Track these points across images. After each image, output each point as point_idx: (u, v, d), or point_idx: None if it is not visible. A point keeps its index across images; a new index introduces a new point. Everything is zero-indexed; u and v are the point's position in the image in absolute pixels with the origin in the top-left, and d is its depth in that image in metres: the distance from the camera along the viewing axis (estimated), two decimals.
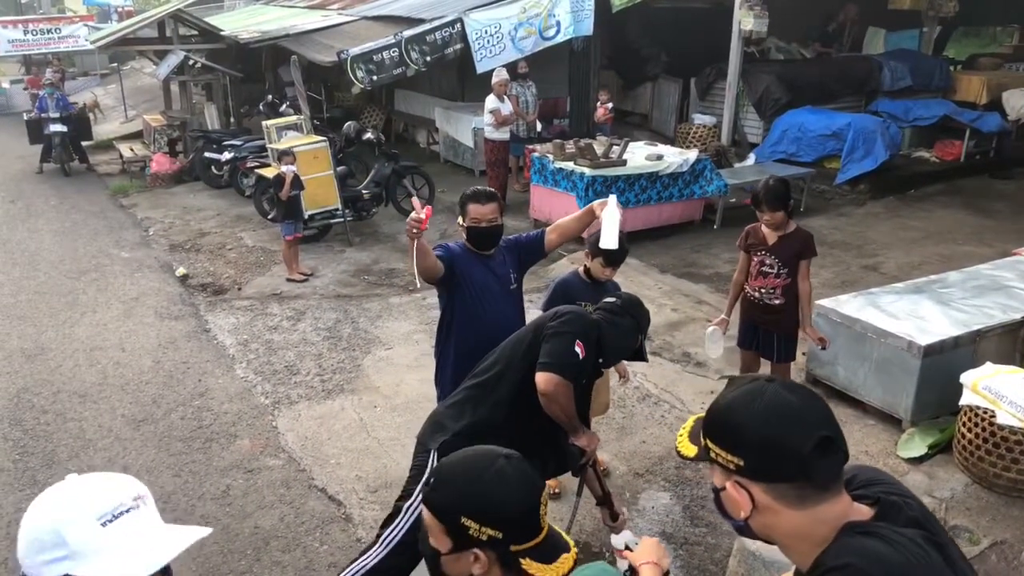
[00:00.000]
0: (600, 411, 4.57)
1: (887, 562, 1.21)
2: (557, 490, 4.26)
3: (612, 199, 3.62)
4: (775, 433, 1.29)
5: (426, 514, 1.59)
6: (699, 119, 12.23)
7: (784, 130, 10.89)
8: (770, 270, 4.47)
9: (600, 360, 3.06)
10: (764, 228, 4.49)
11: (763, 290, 4.52)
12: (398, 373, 5.81)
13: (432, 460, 2.92)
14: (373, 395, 5.55)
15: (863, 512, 1.32)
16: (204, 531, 1.40)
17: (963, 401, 4.35)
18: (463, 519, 1.50)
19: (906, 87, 12.50)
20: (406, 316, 6.97)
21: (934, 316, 5.05)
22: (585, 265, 4.16)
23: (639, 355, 3.27)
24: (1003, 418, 4.11)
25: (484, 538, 1.49)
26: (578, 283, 4.15)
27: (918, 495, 4.13)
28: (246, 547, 4.00)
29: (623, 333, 3.05)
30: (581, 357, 2.84)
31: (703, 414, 1.50)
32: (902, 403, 4.83)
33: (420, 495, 1.53)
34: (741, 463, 1.33)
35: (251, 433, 5.10)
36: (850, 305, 5.22)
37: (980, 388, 4.27)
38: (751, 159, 11.19)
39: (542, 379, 2.81)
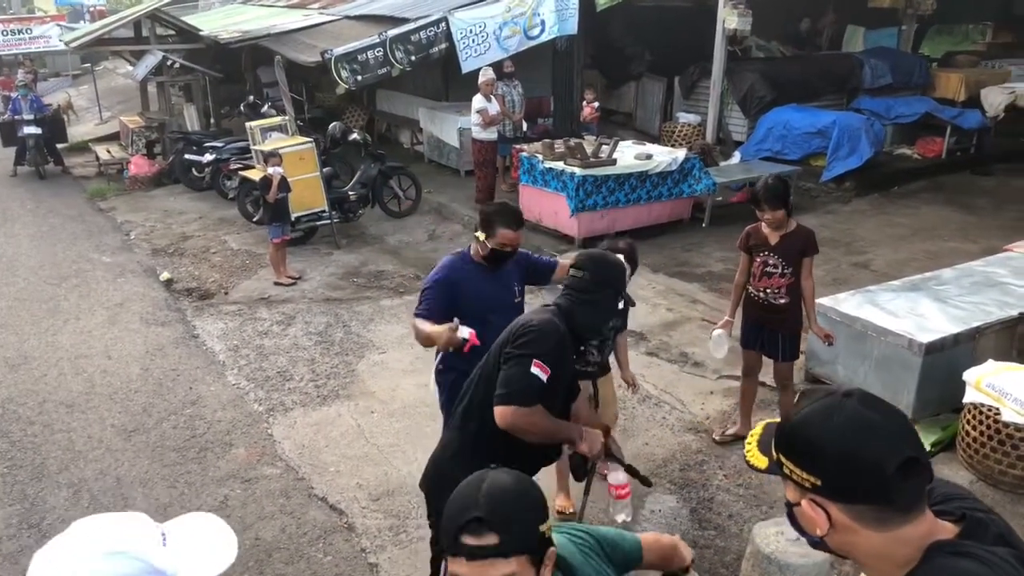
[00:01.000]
0: (611, 421, 4.49)
1: None
2: (572, 509, 4.13)
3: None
4: (855, 453, 1.23)
5: None
6: (684, 118, 12.24)
7: (769, 128, 10.93)
8: (774, 270, 4.43)
9: (583, 348, 2.91)
10: (765, 228, 4.45)
11: (768, 290, 4.48)
12: (394, 378, 5.72)
13: None
14: (370, 400, 5.46)
15: (948, 530, 1.27)
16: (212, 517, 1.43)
17: (967, 399, 4.36)
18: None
19: (886, 85, 12.62)
20: (398, 319, 6.88)
21: (933, 314, 5.06)
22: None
23: (626, 306, 3.10)
24: (1008, 415, 4.11)
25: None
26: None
27: None
28: (247, 559, 3.89)
29: (601, 307, 2.83)
30: (544, 378, 2.60)
31: (771, 420, 1.45)
32: (903, 401, 4.82)
33: None
34: (818, 482, 1.27)
35: (246, 441, 4.99)
36: (849, 303, 5.22)
37: (984, 386, 4.28)
38: (736, 157, 11.21)
39: (497, 414, 2.61)
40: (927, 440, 4.63)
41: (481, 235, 3.49)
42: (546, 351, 2.63)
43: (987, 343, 4.96)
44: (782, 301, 4.46)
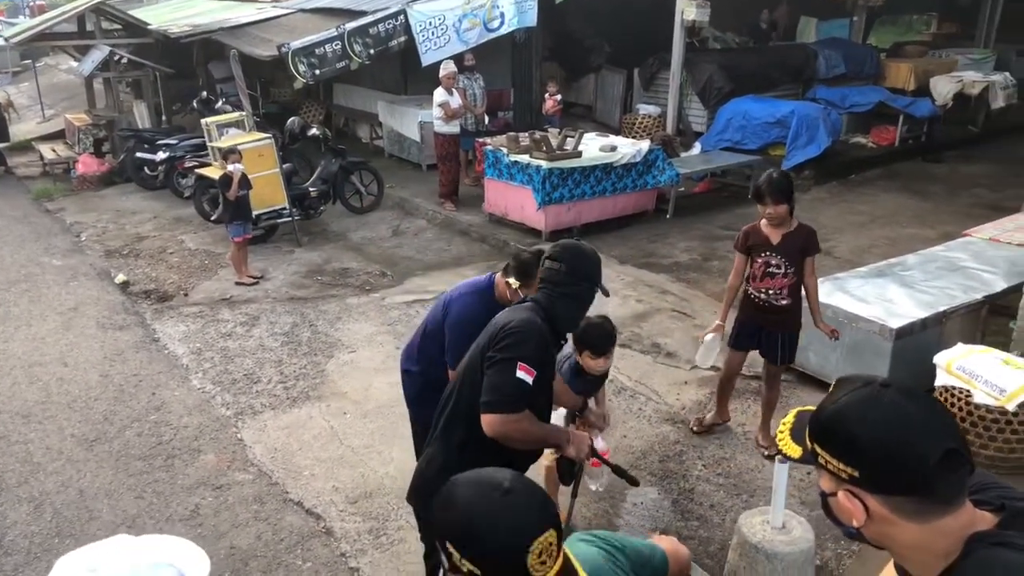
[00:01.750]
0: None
1: None
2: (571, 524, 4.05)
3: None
4: (895, 446, 1.20)
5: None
6: (644, 109, 12.28)
7: (729, 118, 11.02)
8: (777, 270, 4.24)
9: (562, 341, 2.82)
10: (765, 227, 4.26)
11: (771, 291, 4.29)
12: (365, 377, 5.61)
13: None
14: (341, 401, 5.35)
15: (987, 520, 1.24)
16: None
17: (938, 382, 4.43)
18: (447, 544, 1.37)
19: (840, 75, 12.82)
20: (367, 317, 6.76)
21: (901, 299, 5.14)
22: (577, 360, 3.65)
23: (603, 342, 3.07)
24: (979, 397, 4.19)
25: (465, 571, 1.34)
26: (574, 375, 3.65)
27: None
28: (223, 569, 3.77)
29: (578, 300, 2.74)
30: (530, 381, 2.51)
31: (804, 408, 1.41)
32: None
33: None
34: (856, 473, 1.24)
35: (216, 447, 4.84)
36: (819, 291, 5.25)
37: (954, 368, 4.35)
38: (697, 148, 11.28)
39: (486, 423, 2.51)
40: None
41: (514, 283, 3.29)
42: (530, 352, 2.55)
43: (953, 327, 5.06)
44: (784, 302, 4.29)
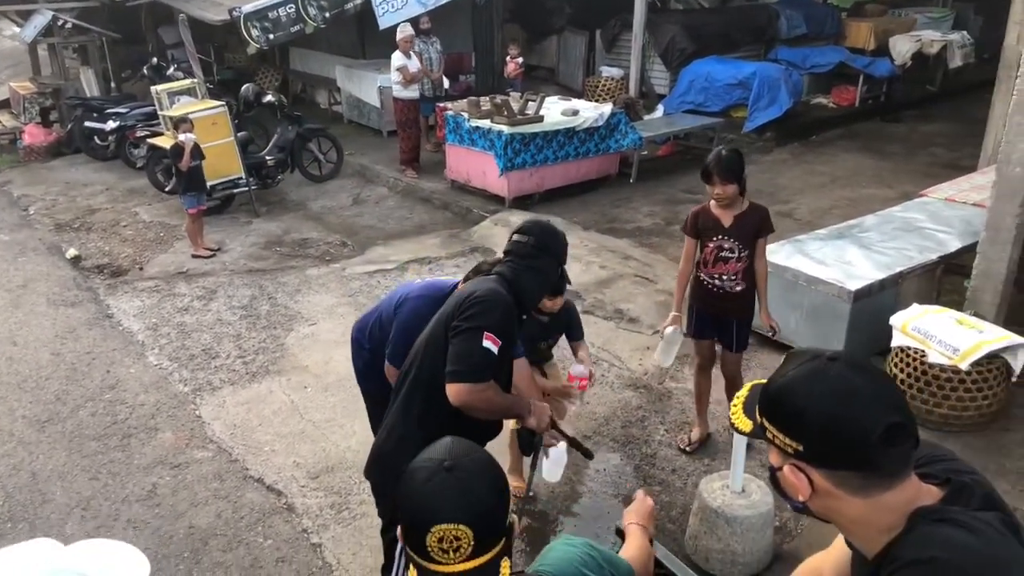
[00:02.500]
0: (563, 415, 4.36)
1: (974, 552, 1.13)
2: (532, 493, 4.04)
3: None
4: (839, 420, 1.18)
5: None
6: (606, 72, 12.17)
7: (691, 80, 10.97)
8: (730, 254, 3.93)
9: (524, 316, 2.80)
10: (715, 208, 3.94)
11: (724, 277, 3.98)
12: (326, 350, 5.53)
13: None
14: (302, 375, 5.27)
15: (932, 494, 1.24)
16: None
17: (894, 343, 4.49)
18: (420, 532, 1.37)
19: (801, 35, 12.79)
20: (327, 288, 6.66)
21: (859, 261, 5.18)
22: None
23: (561, 278, 3.01)
24: (933, 357, 4.25)
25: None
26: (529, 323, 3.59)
27: None
28: (182, 550, 3.71)
29: (543, 275, 2.75)
30: (495, 351, 2.50)
31: (758, 381, 1.39)
32: (833, 347, 4.92)
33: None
34: (800, 448, 1.23)
35: (173, 425, 4.75)
36: (779, 254, 5.27)
37: (910, 329, 4.41)
38: (660, 111, 11.23)
39: (451, 392, 2.48)
40: None
41: None
42: (495, 322, 2.53)
43: (910, 287, 5.12)
44: (739, 288, 3.98)
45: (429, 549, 1.32)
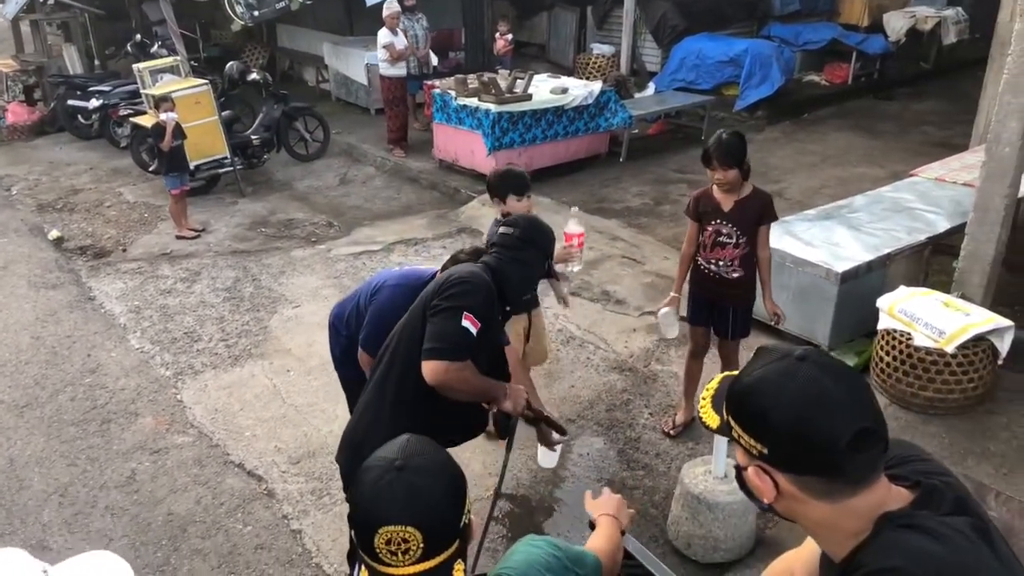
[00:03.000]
0: (539, 360, 4.44)
1: (939, 560, 1.09)
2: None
3: None
4: (806, 425, 1.13)
5: None
6: (597, 48, 12.03)
7: (682, 58, 10.84)
8: (728, 240, 3.84)
9: (508, 308, 2.81)
10: (717, 193, 3.84)
11: (720, 263, 3.90)
12: (309, 332, 5.48)
13: None
14: (285, 358, 5.22)
15: (902, 497, 1.19)
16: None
17: (881, 325, 4.44)
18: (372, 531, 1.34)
19: (794, 11, 12.64)
20: (311, 270, 6.59)
21: (847, 242, 5.12)
22: (501, 211, 3.85)
23: (547, 274, 3.00)
24: (919, 340, 4.22)
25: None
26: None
27: None
28: (160, 537, 3.68)
29: (528, 266, 2.74)
30: (474, 331, 2.47)
31: (729, 373, 1.34)
32: (820, 329, 4.92)
33: None
34: (765, 451, 1.18)
35: (154, 410, 4.70)
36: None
37: (896, 312, 4.37)
38: (651, 88, 11.11)
39: (429, 370, 2.45)
40: None
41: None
42: (476, 304, 2.51)
43: (897, 269, 5.08)
44: (736, 275, 3.90)
45: (377, 550, 1.29)
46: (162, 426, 4.54)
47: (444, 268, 3.14)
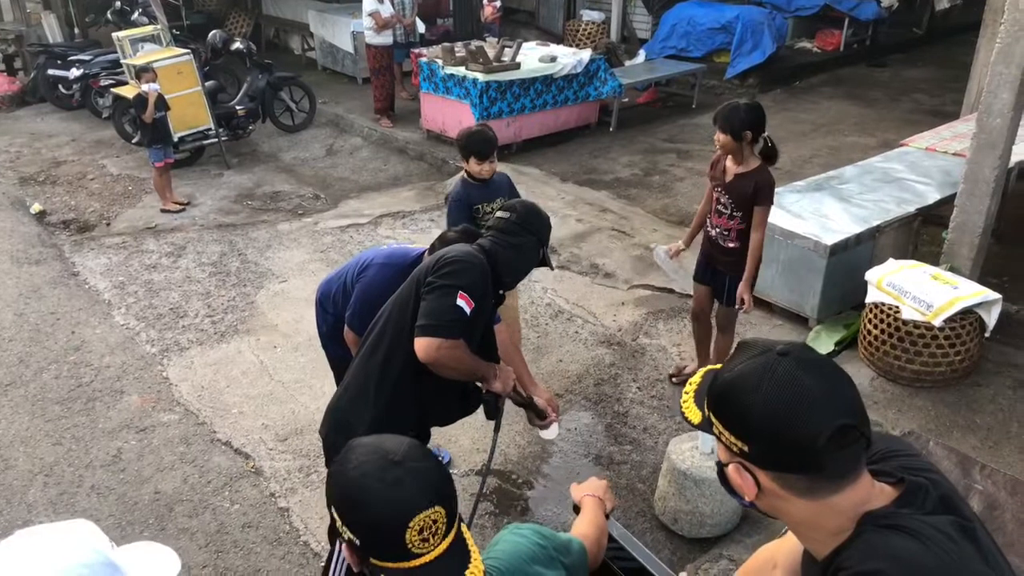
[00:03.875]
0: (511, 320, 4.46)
1: (920, 564, 1.07)
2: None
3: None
4: (786, 422, 1.11)
5: None
6: (587, 15, 11.85)
7: (673, 24, 10.69)
8: (724, 209, 3.91)
9: (500, 291, 2.79)
10: (728, 161, 3.86)
11: (718, 229, 3.98)
12: (296, 308, 5.43)
13: None
14: (271, 334, 5.19)
15: (885, 494, 1.17)
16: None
17: (869, 299, 4.44)
18: (332, 508, 1.32)
19: None
20: (298, 244, 6.53)
21: (836, 214, 5.10)
22: (465, 170, 4.11)
23: (542, 263, 3.00)
24: (907, 313, 4.21)
25: (346, 537, 1.30)
26: (468, 189, 4.10)
27: None
28: (147, 516, 3.67)
29: (524, 253, 2.74)
30: (468, 310, 2.48)
31: (714, 366, 1.31)
32: (808, 302, 4.91)
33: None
34: (745, 448, 1.16)
35: (139, 387, 4.67)
36: None
37: (884, 285, 4.36)
38: (641, 56, 10.97)
39: (420, 346, 2.44)
40: (832, 339, 4.74)
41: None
42: (471, 283, 2.50)
43: (886, 240, 5.06)
44: (730, 245, 3.95)
45: (410, 545, 1.26)
46: (148, 404, 4.52)
47: (432, 248, 3.10)
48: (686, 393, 1.35)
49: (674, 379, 4.56)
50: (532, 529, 1.59)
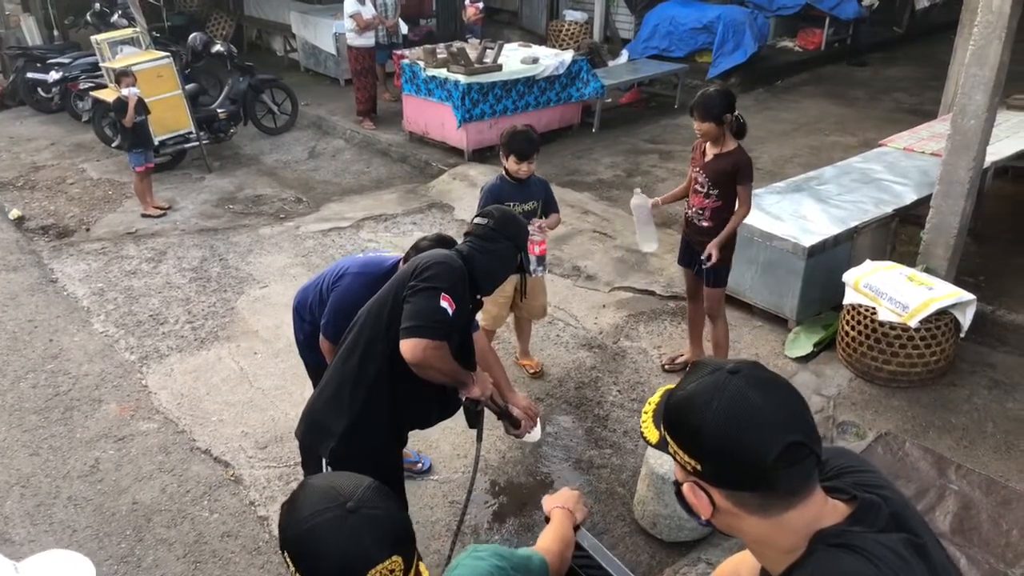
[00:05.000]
0: (538, 315, 4.64)
1: None
2: (538, 369, 4.68)
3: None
4: (734, 441, 1.12)
5: None
6: (570, 15, 11.87)
7: (655, 24, 10.73)
8: (701, 188, 4.06)
9: (478, 296, 2.82)
10: (706, 143, 4.05)
11: (695, 208, 4.14)
12: (277, 313, 5.41)
13: (325, 469, 2.63)
14: (252, 340, 5.17)
15: (838, 511, 1.18)
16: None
17: (846, 300, 4.47)
18: (284, 554, 1.29)
19: None
20: (279, 248, 6.50)
21: (815, 215, 5.13)
22: (504, 167, 4.21)
23: (519, 269, 3.00)
24: (883, 314, 4.25)
25: None
26: (503, 184, 4.21)
27: (807, 394, 4.19)
28: (125, 527, 3.65)
29: (500, 259, 2.76)
30: (450, 312, 2.51)
31: (669, 387, 1.32)
32: (787, 304, 4.94)
33: None
34: (699, 467, 1.17)
35: (118, 396, 4.64)
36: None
37: (861, 286, 4.39)
38: (624, 56, 11.00)
39: (407, 347, 2.46)
40: (810, 341, 4.77)
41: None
42: (452, 286, 2.54)
43: (864, 241, 5.10)
44: (705, 224, 4.10)
45: None
46: (127, 413, 4.49)
47: (407, 257, 3.10)
48: (645, 412, 1.35)
49: (666, 368, 4.71)
50: (490, 551, 1.59)
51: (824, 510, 1.18)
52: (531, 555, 1.64)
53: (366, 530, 1.24)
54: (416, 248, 3.08)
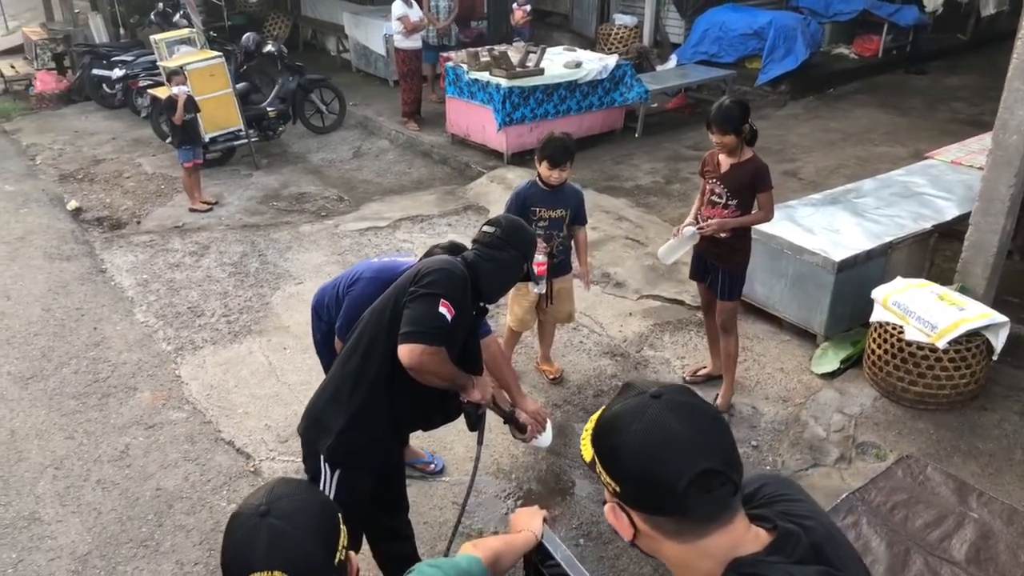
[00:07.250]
0: (563, 319, 4.70)
1: None
2: (558, 375, 4.73)
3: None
4: (646, 466, 1.13)
5: None
6: (620, 19, 11.81)
7: (705, 30, 10.61)
8: (718, 200, 4.03)
9: (482, 304, 2.82)
10: (720, 154, 4.04)
11: (712, 221, 4.07)
12: (308, 310, 5.48)
13: (323, 466, 2.71)
14: (283, 336, 5.30)
15: (759, 540, 1.18)
16: None
17: (874, 318, 4.37)
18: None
19: None
20: (317, 246, 6.65)
21: (848, 229, 5.02)
22: (538, 172, 4.26)
23: (525, 278, 3.02)
24: (911, 334, 4.14)
25: None
26: (532, 189, 4.30)
27: (830, 412, 4.10)
28: (147, 512, 3.80)
29: (505, 267, 2.78)
30: (449, 319, 2.51)
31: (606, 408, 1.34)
32: (816, 318, 4.85)
33: None
34: (618, 488, 1.18)
35: (152, 385, 4.83)
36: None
37: (890, 304, 4.29)
38: (673, 61, 10.91)
39: (404, 352, 2.49)
40: (837, 357, 4.67)
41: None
42: (452, 292, 2.56)
43: (900, 257, 4.97)
44: (724, 235, 4.05)
45: None
46: (159, 401, 4.66)
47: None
48: (586, 431, 1.37)
49: (687, 379, 4.68)
50: (426, 563, 1.63)
51: (745, 538, 1.18)
52: (458, 560, 1.68)
53: (264, 538, 1.30)
54: (429, 254, 3.14)
